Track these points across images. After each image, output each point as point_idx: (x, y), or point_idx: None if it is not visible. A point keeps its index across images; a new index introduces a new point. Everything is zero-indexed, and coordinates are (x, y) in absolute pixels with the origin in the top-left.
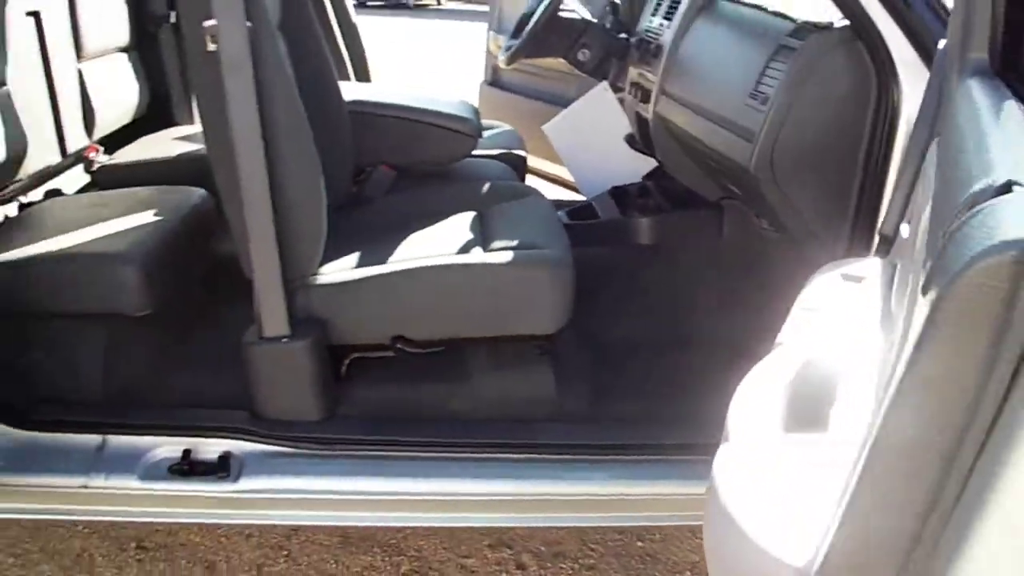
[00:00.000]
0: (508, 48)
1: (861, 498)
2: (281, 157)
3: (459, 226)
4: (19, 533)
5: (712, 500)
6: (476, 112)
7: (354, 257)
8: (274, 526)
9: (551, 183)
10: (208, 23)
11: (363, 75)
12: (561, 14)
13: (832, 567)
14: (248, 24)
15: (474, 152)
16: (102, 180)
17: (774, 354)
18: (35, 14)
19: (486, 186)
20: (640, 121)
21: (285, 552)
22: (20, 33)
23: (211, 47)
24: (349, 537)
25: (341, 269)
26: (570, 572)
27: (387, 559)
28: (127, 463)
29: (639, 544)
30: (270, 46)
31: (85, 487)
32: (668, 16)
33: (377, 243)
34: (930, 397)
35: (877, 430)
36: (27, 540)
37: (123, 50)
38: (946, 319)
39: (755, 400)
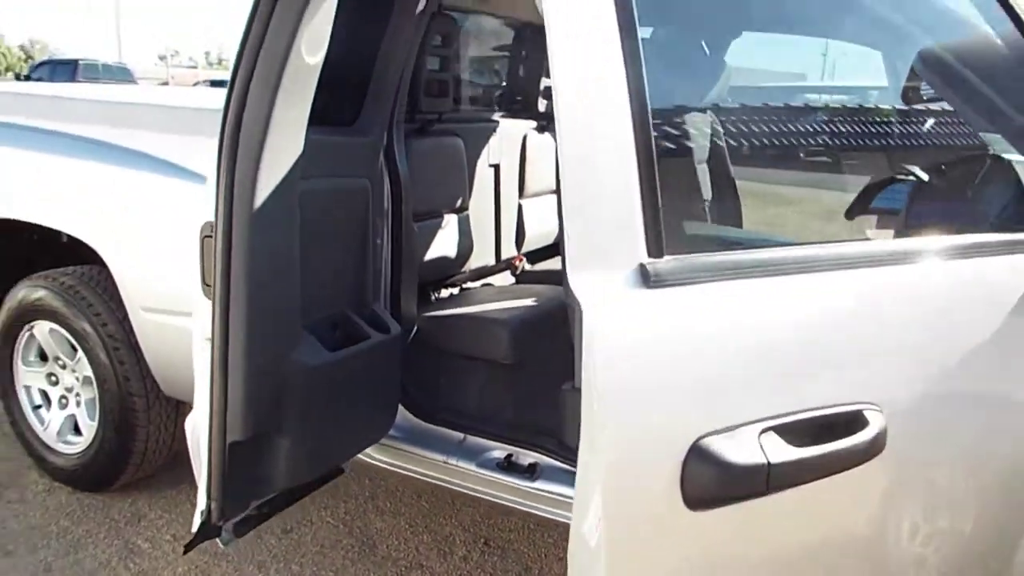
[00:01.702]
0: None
1: None
2: None
3: None
4: (417, 513)
5: None
6: None
7: None
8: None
9: None
10: None
11: None
12: (898, 177)
13: None
14: None
15: None
16: (521, 281)
17: None
18: (495, 166)
19: None
20: None
21: None
22: (483, 177)
23: None
24: None
25: None
26: None
27: None
28: (473, 454)
29: None
30: None
31: (446, 463)
32: None
33: None
34: None
35: None
36: (418, 520)
37: (553, 192)
38: None
39: None
